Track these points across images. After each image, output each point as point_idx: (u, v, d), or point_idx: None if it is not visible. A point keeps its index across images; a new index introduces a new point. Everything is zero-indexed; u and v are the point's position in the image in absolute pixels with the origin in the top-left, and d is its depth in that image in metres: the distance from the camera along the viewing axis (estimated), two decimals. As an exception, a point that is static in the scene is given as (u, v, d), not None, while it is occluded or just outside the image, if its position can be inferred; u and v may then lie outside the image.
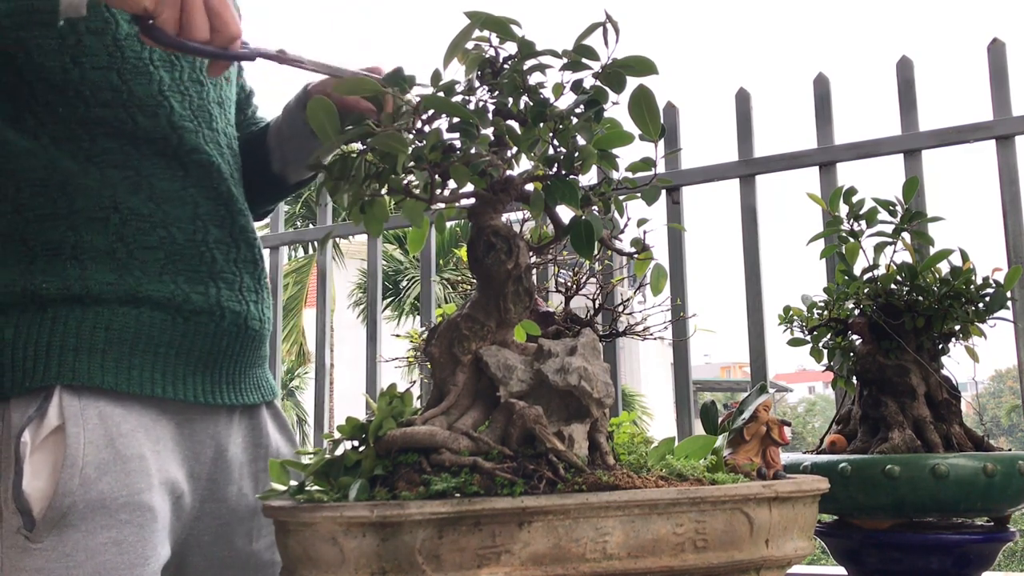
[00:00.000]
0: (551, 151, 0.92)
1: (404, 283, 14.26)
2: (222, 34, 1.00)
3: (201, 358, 1.15)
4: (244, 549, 1.21)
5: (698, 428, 1.33)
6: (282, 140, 1.34)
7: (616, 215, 1.00)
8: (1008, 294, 1.28)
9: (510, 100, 0.92)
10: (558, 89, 0.92)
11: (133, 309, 1.09)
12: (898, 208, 1.35)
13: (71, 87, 1.09)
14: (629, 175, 0.97)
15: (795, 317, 1.40)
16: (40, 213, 1.09)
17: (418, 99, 0.89)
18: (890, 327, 1.28)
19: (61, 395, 1.03)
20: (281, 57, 1.09)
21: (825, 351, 1.39)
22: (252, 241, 1.22)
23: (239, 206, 1.21)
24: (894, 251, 1.35)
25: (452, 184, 0.91)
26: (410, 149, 0.86)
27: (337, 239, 2.89)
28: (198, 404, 1.15)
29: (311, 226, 2.61)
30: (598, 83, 0.90)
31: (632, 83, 0.90)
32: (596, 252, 0.97)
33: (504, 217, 0.97)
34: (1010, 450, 1.24)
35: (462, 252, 1.26)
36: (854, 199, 1.36)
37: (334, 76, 1.11)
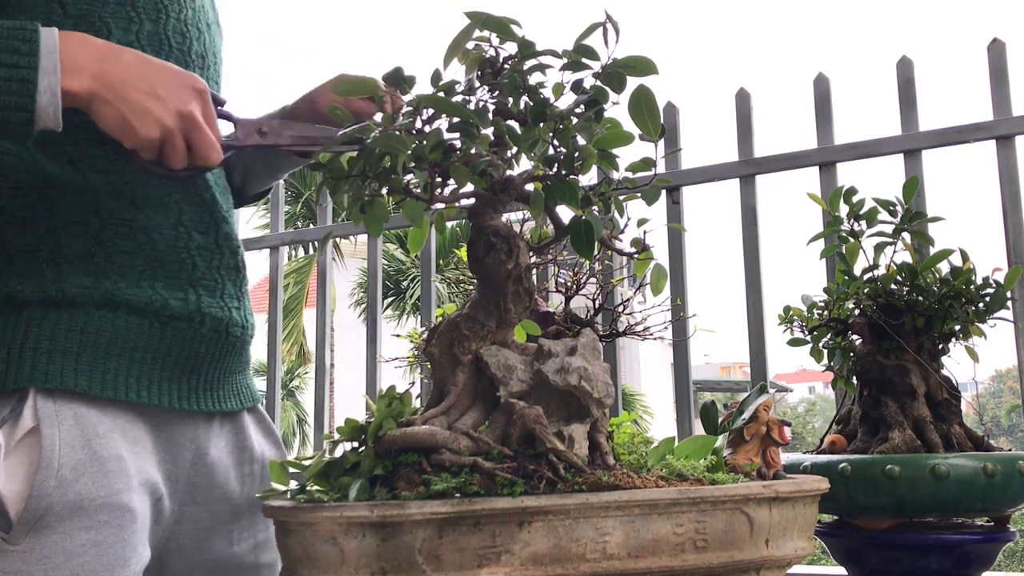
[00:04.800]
0: (551, 151, 0.92)
1: (406, 283, 14.25)
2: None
3: (178, 363, 1.14)
4: (224, 552, 1.21)
5: (698, 428, 1.33)
6: (245, 152, 1.36)
7: (616, 215, 1.00)
8: (1008, 294, 1.28)
9: (510, 100, 0.92)
10: (558, 89, 0.92)
11: (109, 313, 1.08)
12: (898, 208, 1.35)
13: None
14: (629, 175, 0.97)
15: (795, 317, 1.40)
16: (19, 215, 1.08)
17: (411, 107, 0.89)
18: (890, 327, 1.28)
19: (36, 397, 1.02)
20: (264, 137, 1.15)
21: (825, 351, 1.38)
22: (235, 248, 1.22)
23: (223, 213, 1.20)
24: (894, 251, 1.35)
25: (452, 184, 0.91)
26: (410, 149, 0.87)
27: (338, 239, 2.90)
28: (174, 410, 1.14)
29: (311, 226, 2.61)
30: (598, 83, 0.90)
31: (632, 83, 0.90)
32: (596, 252, 0.97)
33: (504, 217, 0.97)
34: (1010, 450, 1.24)
35: (462, 252, 1.26)
36: (854, 199, 1.36)
37: (312, 143, 1.16)
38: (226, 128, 1.15)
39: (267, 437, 1.31)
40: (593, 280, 1.36)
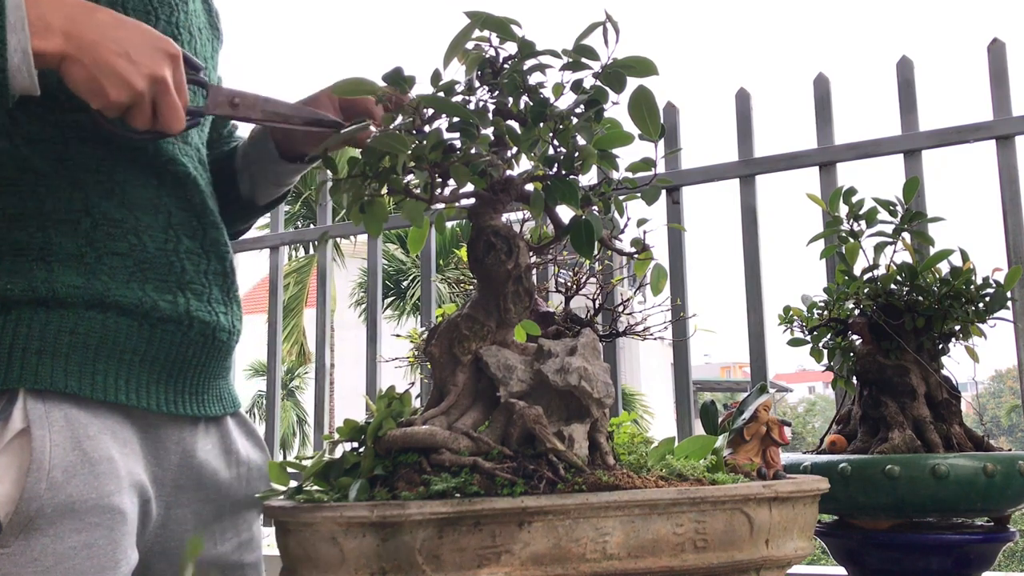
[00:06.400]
0: (551, 151, 0.92)
1: (406, 283, 14.26)
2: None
3: (166, 367, 1.13)
4: (209, 553, 1.20)
5: (698, 428, 1.33)
6: (248, 163, 1.35)
7: (616, 215, 1.00)
8: (1008, 294, 1.28)
9: (510, 100, 0.92)
10: (558, 89, 0.92)
11: (99, 314, 1.07)
12: (898, 208, 1.35)
13: (48, 88, 1.02)
14: (629, 175, 0.97)
15: (795, 317, 1.40)
16: (9, 213, 1.07)
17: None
18: (890, 327, 1.28)
19: (25, 398, 1.01)
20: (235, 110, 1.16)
21: (825, 351, 1.39)
22: (224, 254, 1.21)
23: (212, 218, 1.20)
24: (894, 251, 1.35)
25: (452, 184, 0.91)
26: (410, 149, 0.87)
27: (338, 239, 2.90)
28: (161, 413, 1.13)
29: (311, 226, 2.61)
30: (598, 83, 0.90)
31: (632, 83, 0.90)
32: (596, 252, 0.97)
33: (504, 217, 0.97)
34: (1010, 450, 1.24)
35: (462, 252, 1.26)
36: (854, 199, 1.36)
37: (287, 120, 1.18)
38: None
39: (251, 440, 1.31)
40: (593, 280, 1.36)
